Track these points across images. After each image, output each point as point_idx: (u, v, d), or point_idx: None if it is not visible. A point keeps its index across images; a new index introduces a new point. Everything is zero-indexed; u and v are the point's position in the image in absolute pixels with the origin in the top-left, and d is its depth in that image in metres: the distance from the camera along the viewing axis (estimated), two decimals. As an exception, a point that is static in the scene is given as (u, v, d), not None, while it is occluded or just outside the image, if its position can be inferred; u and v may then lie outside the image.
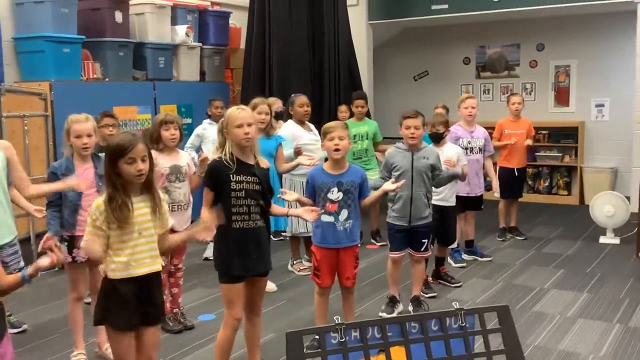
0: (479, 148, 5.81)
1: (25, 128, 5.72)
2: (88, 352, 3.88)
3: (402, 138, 4.42)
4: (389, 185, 3.89)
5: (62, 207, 3.70)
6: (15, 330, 4.29)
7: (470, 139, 5.78)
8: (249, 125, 3.29)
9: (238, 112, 3.32)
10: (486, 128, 6.11)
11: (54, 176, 3.69)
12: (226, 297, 3.36)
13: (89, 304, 4.08)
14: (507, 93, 8.76)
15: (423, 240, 4.46)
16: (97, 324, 2.89)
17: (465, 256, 5.95)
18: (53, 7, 5.97)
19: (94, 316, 2.88)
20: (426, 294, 4.89)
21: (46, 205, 3.76)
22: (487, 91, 9.69)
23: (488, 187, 7.75)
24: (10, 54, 6.08)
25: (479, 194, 5.89)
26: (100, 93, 6.29)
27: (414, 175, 4.31)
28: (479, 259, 5.98)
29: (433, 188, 4.51)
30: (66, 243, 3.73)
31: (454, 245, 5.72)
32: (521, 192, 6.95)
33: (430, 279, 5.17)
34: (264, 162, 3.44)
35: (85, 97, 6.00)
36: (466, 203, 5.80)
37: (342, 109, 6.84)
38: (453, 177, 4.62)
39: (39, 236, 5.82)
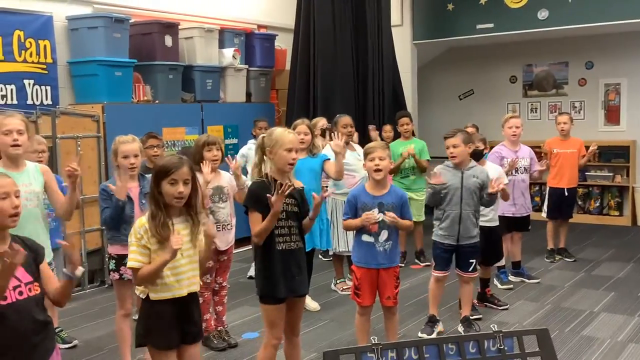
0: (525, 168, 5.72)
1: (79, 149, 5.93)
2: (135, 367, 3.97)
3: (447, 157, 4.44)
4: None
5: (120, 223, 3.79)
6: (66, 346, 4.42)
7: (515, 158, 5.69)
8: (297, 151, 3.33)
9: (291, 136, 3.32)
10: (533, 147, 6.03)
11: (104, 193, 3.81)
12: (268, 318, 3.36)
13: (136, 320, 4.17)
14: (555, 112, 8.63)
15: (471, 261, 4.42)
16: (139, 346, 2.95)
17: (512, 278, 5.84)
18: (106, 32, 6.19)
19: (135, 338, 2.94)
20: (472, 316, 4.82)
21: (103, 223, 3.86)
22: (534, 110, 9.54)
23: (536, 208, 7.62)
24: (65, 77, 6.33)
25: (526, 215, 5.79)
26: (150, 115, 6.48)
27: (463, 194, 4.29)
28: (527, 280, 5.86)
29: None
30: (114, 261, 3.84)
31: (501, 264, 5.61)
32: (571, 212, 6.79)
33: (475, 301, 5.09)
34: (298, 183, 3.44)
35: (136, 119, 6.19)
36: (512, 223, 5.71)
37: (387, 128, 6.86)
38: (495, 197, 4.52)
39: (90, 254, 6.02)
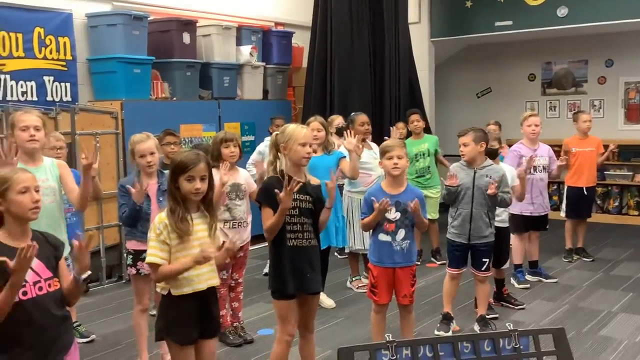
0: (543, 166, 5.68)
1: (98, 145, 5.98)
2: (151, 362, 4.01)
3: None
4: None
5: (137, 222, 3.82)
6: (83, 340, 4.47)
7: (532, 155, 5.64)
8: (311, 145, 3.34)
9: (304, 131, 3.33)
10: (552, 146, 5.97)
11: (123, 190, 3.84)
12: (279, 314, 3.39)
13: (154, 315, 4.20)
14: (574, 110, 8.54)
15: (484, 260, 4.42)
16: (159, 340, 2.98)
17: (529, 277, 5.80)
18: (125, 30, 6.24)
19: (155, 332, 2.96)
20: (487, 315, 4.80)
21: (120, 221, 3.89)
22: (553, 108, 9.46)
23: (554, 207, 7.56)
24: (84, 74, 6.38)
25: (544, 214, 5.74)
26: (168, 111, 6.52)
27: (475, 193, 4.29)
28: (544, 280, 5.82)
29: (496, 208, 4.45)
30: (131, 256, 3.87)
31: (507, 266, 5.56)
32: (589, 212, 6.72)
33: (492, 300, 5.07)
34: (315, 180, 3.45)
35: (154, 116, 6.24)
36: (530, 223, 5.68)
37: (400, 125, 6.84)
38: (498, 199, 4.36)
39: (108, 249, 6.08)
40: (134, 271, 3.87)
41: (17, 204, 2.47)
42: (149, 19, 6.53)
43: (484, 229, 4.34)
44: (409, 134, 6.65)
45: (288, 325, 3.37)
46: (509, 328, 2.13)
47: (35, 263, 2.46)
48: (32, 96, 5.87)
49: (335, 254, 6.60)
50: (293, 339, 3.44)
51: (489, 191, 4.23)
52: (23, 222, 2.51)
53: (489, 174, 4.31)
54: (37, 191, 2.54)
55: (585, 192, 6.48)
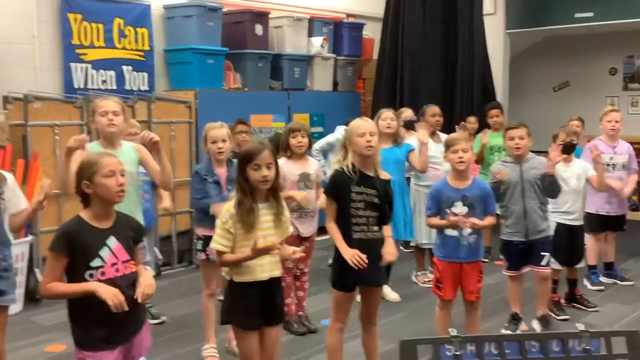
0: (622, 165, 5.45)
1: (172, 134, 6.15)
2: (218, 346, 4.09)
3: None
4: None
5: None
6: (155, 321, 4.62)
7: (612, 154, 5.43)
8: (372, 134, 3.33)
9: (361, 122, 3.40)
10: (632, 143, 5.72)
11: (197, 175, 3.97)
12: (335, 302, 3.43)
13: (221, 300, 4.29)
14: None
15: (543, 253, 4.28)
16: (224, 324, 3.07)
17: (603, 279, 5.59)
18: (199, 21, 6.38)
19: (221, 315, 3.05)
20: (558, 316, 4.68)
21: (194, 202, 4.04)
22: (635, 104, 9.06)
23: (633, 207, 7.25)
24: (161, 64, 6.58)
25: (621, 214, 5.52)
26: (240, 102, 6.63)
27: (525, 187, 4.18)
28: (619, 282, 5.60)
29: (563, 206, 4.31)
30: (201, 242, 3.97)
31: (581, 265, 5.38)
32: (671, 212, 6.43)
33: (563, 301, 4.92)
34: (385, 175, 3.45)
35: (226, 106, 6.35)
36: (606, 223, 5.48)
37: (471, 120, 6.70)
38: (553, 181, 4.25)
39: (180, 235, 6.25)
40: (203, 257, 3.96)
41: (104, 187, 2.57)
42: (223, 10, 6.65)
43: (540, 223, 4.22)
44: (481, 128, 6.51)
45: (340, 313, 3.41)
46: (580, 329, 2.06)
47: (115, 245, 2.57)
48: (111, 85, 6.09)
49: (401, 247, 6.54)
50: (345, 327, 3.47)
51: (547, 170, 4.13)
52: (108, 205, 2.62)
53: (534, 165, 4.22)
54: (122, 175, 2.64)
55: (665, 192, 6.19)
